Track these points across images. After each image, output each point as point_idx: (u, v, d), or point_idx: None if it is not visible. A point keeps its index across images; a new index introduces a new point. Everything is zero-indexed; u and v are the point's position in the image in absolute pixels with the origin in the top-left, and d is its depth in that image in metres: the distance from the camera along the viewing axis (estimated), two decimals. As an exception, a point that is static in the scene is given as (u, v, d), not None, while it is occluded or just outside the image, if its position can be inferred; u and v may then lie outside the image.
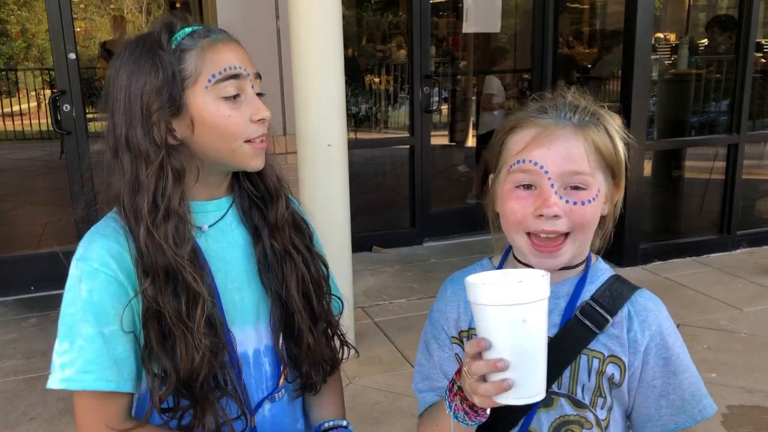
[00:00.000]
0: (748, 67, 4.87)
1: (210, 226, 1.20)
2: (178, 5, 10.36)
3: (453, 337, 1.20)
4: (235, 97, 1.12)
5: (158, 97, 1.08)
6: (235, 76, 1.11)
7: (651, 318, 1.11)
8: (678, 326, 1.13)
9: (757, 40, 5.01)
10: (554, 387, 1.09)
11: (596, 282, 1.13)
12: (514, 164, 1.07)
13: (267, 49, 4.22)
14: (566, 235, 1.05)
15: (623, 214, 4.11)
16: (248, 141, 1.13)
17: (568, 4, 6.96)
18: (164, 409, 1.11)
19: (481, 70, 6.74)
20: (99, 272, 1.07)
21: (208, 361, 1.08)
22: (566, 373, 1.09)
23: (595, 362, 1.08)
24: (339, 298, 1.36)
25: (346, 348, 1.35)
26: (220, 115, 1.11)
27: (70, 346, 1.07)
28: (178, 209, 1.10)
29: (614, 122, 1.10)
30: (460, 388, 1.00)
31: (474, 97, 6.86)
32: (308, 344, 1.24)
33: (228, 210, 1.23)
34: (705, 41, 5.90)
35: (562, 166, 1.03)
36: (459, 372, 1.01)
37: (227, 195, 1.24)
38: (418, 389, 1.23)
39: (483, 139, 6.32)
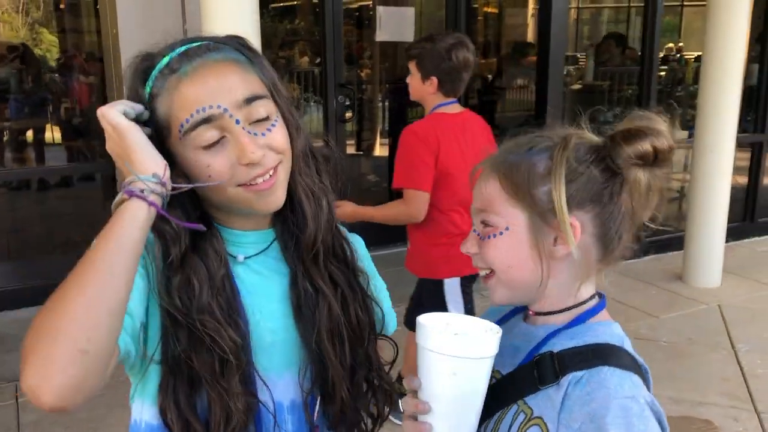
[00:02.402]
0: (653, 77, 5.04)
1: (248, 258, 1.04)
2: (62, 6, 9.69)
3: None
4: (216, 143, 0.94)
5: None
6: (206, 120, 0.93)
7: (599, 395, 0.87)
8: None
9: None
10: (480, 429, 0.99)
11: (581, 340, 0.96)
12: None
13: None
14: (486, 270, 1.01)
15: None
16: (242, 185, 0.96)
17: (478, 17, 7.02)
18: None
19: (388, 79, 6.67)
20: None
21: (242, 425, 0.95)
22: (493, 417, 1.00)
23: (521, 417, 0.96)
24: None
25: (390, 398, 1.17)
26: (200, 167, 0.95)
27: None
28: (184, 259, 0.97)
29: (562, 155, 0.95)
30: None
31: (380, 105, 6.79)
32: (342, 400, 1.07)
33: (272, 243, 1.07)
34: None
35: (474, 203, 1.03)
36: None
37: (273, 226, 1.08)
38: None
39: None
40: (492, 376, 0.96)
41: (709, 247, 4.65)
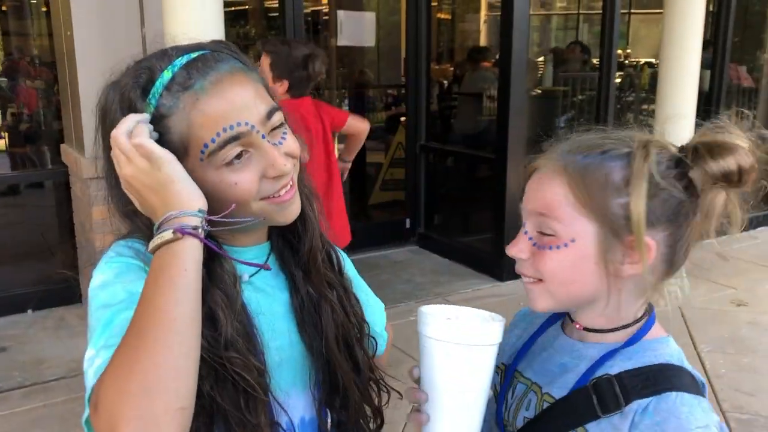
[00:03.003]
0: (611, 83, 5.12)
1: (252, 276, 0.99)
2: (4, 8, 9.33)
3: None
4: (239, 156, 0.88)
5: None
6: (234, 139, 0.87)
7: (670, 425, 0.84)
8: None
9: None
10: None
11: (639, 361, 0.92)
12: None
13: (130, 57, 3.79)
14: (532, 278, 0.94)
15: (502, 227, 4.11)
16: (266, 198, 0.91)
17: (439, 22, 7.04)
18: None
19: (346, 85, 6.64)
20: (133, 264, 0.90)
21: None
22: None
23: None
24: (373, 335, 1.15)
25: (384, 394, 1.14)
26: (225, 185, 0.89)
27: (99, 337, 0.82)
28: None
29: (644, 164, 0.87)
30: None
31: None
32: (355, 402, 1.05)
33: (269, 255, 1.03)
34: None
35: (531, 204, 0.94)
36: None
37: (268, 239, 1.04)
38: None
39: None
40: (543, 399, 0.93)
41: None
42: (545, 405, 0.95)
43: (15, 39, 5.83)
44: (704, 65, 5.91)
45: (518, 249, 0.93)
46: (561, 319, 1.04)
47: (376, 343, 1.14)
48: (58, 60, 4.14)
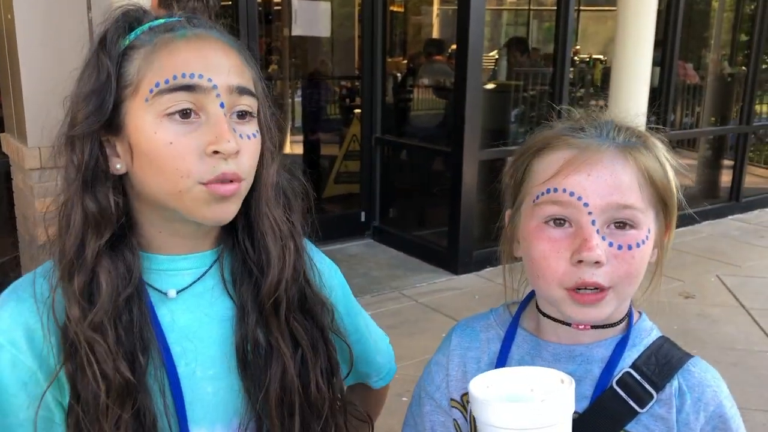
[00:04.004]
0: (565, 78, 5.17)
1: (180, 291, 0.88)
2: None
3: (453, 399, 0.97)
4: (185, 115, 0.79)
5: (85, 104, 0.80)
6: (188, 88, 0.79)
7: (708, 395, 0.89)
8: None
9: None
10: None
11: (639, 345, 0.92)
12: (541, 194, 0.85)
13: (76, 44, 3.63)
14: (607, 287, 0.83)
15: (458, 221, 4.11)
16: (203, 183, 0.80)
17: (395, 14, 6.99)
18: None
19: (299, 75, 6.54)
20: (4, 348, 0.82)
21: None
22: None
23: None
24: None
25: None
26: (158, 141, 0.79)
27: None
28: (89, 262, 0.81)
29: (663, 146, 0.90)
30: None
31: (290, 101, 6.65)
32: None
33: (209, 269, 0.90)
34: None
35: (607, 197, 0.82)
36: None
37: (213, 248, 0.91)
38: None
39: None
40: None
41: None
42: None
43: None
44: (654, 62, 6.05)
45: (601, 252, 0.81)
46: (515, 324, 0.97)
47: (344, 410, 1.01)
48: (-2, 44, 3.93)
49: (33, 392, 0.81)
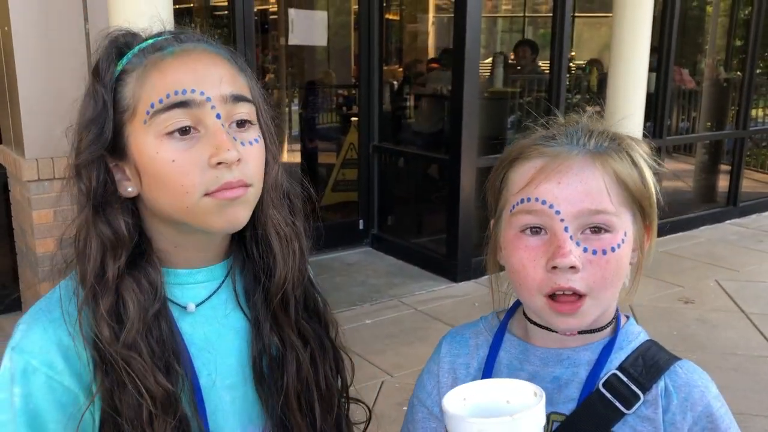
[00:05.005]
0: (562, 85, 5.18)
1: (199, 305, 0.90)
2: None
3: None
4: (184, 132, 0.80)
5: (87, 133, 0.82)
6: (182, 104, 0.80)
7: (696, 395, 0.89)
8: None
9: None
10: None
11: (626, 348, 0.93)
12: (516, 204, 0.87)
13: (73, 56, 3.63)
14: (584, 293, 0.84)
15: (456, 228, 4.09)
16: (209, 194, 0.81)
17: (391, 23, 7.02)
18: None
19: (296, 84, 6.56)
20: (38, 372, 0.81)
21: None
22: None
23: None
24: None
25: None
26: (161, 161, 0.81)
27: None
28: (112, 284, 0.82)
29: (639, 148, 0.91)
30: None
31: (288, 110, 6.67)
32: None
33: (223, 281, 0.93)
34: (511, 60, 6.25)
35: (578, 204, 0.84)
36: None
37: (225, 258, 0.93)
38: None
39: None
40: (552, 420, 0.88)
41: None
42: (556, 425, 0.90)
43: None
44: (650, 68, 6.07)
45: (575, 258, 0.82)
46: (503, 330, 0.98)
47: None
48: (-6, 57, 3.93)
49: (71, 412, 0.82)
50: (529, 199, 0.86)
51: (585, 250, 0.83)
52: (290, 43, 5.17)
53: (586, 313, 0.85)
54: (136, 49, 0.86)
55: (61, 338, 0.82)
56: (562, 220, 0.83)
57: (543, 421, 0.76)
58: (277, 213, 0.93)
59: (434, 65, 6.16)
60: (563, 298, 0.84)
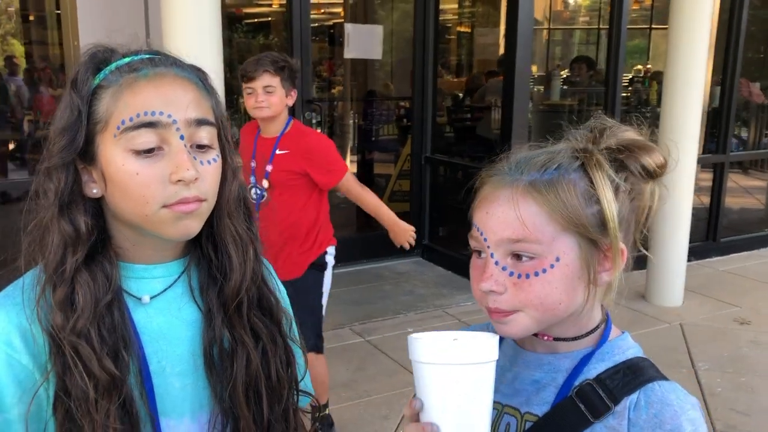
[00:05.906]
0: (617, 98, 5.11)
1: (153, 297, 0.99)
2: (31, 18, 9.58)
3: None
4: (149, 150, 0.91)
5: (60, 139, 0.92)
6: (150, 124, 0.90)
7: (667, 414, 0.88)
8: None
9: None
10: None
11: (608, 360, 0.95)
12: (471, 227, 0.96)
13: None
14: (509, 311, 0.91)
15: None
16: (167, 206, 0.91)
17: (446, 36, 7.08)
18: None
19: (359, 96, 6.69)
20: None
21: None
22: None
23: None
24: (309, 394, 1.15)
25: None
26: (126, 173, 0.90)
27: None
28: (68, 276, 0.92)
29: (608, 171, 0.90)
30: None
31: (352, 122, 6.80)
32: None
33: (179, 277, 1.02)
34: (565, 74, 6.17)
35: (499, 233, 0.90)
36: None
37: (182, 257, 1.03)
38: None
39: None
40: (525, 420, 0.94)
41: (671, 267, 4.69)
42: (528, 425, 0.95)
43: (37, 48, 5.97)
44: (715, 83, 5.88)
45: (495, 282, 0.90)
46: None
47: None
48: (67, 69, 4.24)
49: (27, 387, 0.91)
50: (472, 225, 0.94)
51: (511, 274, 0.90)
52: (345, 56, 5.29)
53: (515, 324, 0.91)
54: (113, 65, 0.94)
55: (21, 321, 0.92)
56: (488, 247, 0.91)
57: (493, 356, 0.86)
58: (235, 221, 1.02)
59: (488, 77, 6.17)
60: (495, 310, 0.92)
